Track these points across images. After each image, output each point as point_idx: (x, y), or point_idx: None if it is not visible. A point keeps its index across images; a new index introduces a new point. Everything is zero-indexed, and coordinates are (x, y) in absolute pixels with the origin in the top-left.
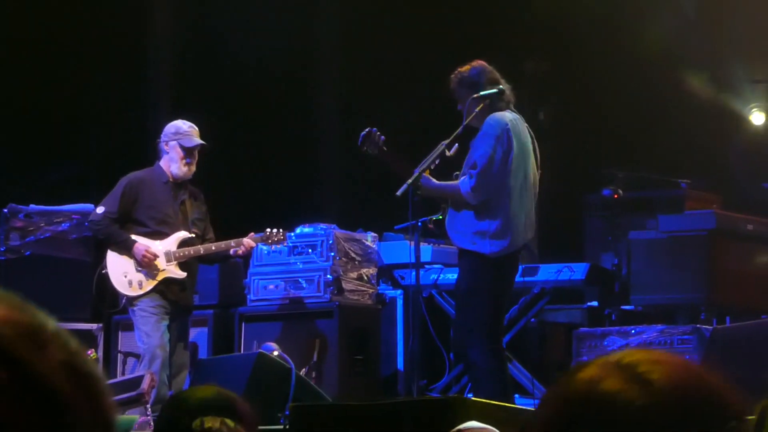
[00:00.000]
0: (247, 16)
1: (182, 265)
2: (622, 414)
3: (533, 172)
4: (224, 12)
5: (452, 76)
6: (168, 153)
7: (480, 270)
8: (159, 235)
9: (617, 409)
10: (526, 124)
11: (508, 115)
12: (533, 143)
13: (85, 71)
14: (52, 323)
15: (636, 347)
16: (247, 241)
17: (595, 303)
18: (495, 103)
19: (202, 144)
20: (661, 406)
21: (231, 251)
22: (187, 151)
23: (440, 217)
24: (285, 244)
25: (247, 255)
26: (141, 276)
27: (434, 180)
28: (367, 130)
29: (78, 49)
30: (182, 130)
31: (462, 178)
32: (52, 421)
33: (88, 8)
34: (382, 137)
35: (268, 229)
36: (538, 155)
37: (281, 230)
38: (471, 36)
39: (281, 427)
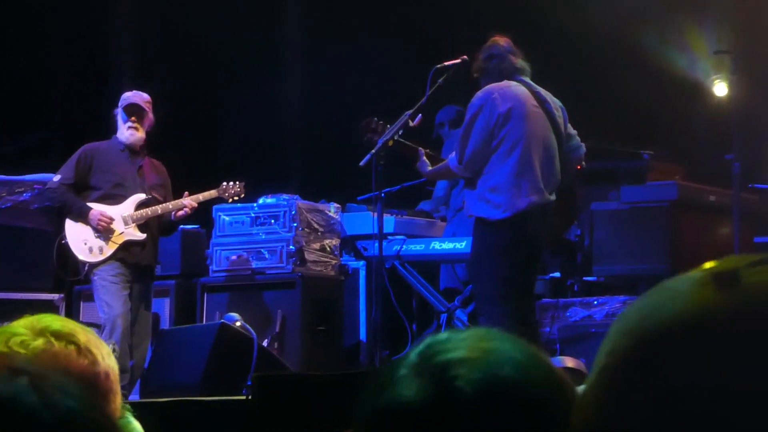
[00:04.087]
0: None
1: (141, 228)
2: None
3: (541, 132)
4: None
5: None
6: (118, 122)
7: (485, 236)
8: (115, 198)
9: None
10: (538, 88)
11: (498, 84)
12: (544, 105)
13: (47, 40)
14: None
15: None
16: (188, 201)
17: (557, 274)
18: (488, 74)
19: (136, 104)
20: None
21: (172, 215)
22: (127, 113)
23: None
24: (242, 195)
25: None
26: (101, 242)
27: (428, 165)
28: (365, 120)
29: (41, 18)
30: (124, 97)
31: (451, 155)
32: None
33: None
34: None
35: (225, 183)
36: (558, 115)
37: (237, 182)
38: (435, 7)
39: (243, 397)
